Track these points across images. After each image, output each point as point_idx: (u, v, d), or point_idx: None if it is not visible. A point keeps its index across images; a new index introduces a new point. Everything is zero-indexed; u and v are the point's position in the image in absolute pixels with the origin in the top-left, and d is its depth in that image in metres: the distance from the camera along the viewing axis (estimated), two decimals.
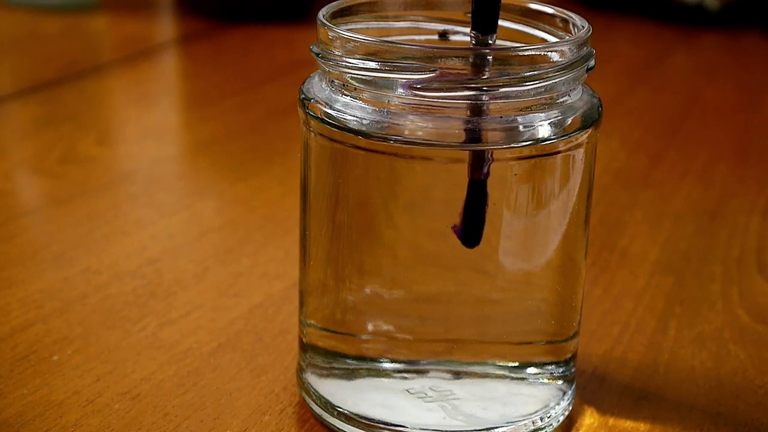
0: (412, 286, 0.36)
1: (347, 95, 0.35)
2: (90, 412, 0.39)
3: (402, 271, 0.36)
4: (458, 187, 0.35)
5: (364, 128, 0.34)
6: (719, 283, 0.51)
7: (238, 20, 0.95)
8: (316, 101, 0.36)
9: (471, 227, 0.35)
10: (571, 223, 0.37)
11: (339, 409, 0.38)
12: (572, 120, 0.35)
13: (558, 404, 0.39)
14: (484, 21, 0.35)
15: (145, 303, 0.47)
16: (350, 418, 0.38)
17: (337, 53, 0.35)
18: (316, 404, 0.39)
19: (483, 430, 0.37)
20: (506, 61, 0.34)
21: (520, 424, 0.38)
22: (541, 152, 0.35)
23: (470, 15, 0.36)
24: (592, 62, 0.36)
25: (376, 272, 0.37)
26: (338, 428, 0.38)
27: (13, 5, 0.96)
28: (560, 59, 0.35)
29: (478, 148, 0.34)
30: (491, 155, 0.34)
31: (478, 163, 0.34)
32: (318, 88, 0.37)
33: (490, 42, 0.35)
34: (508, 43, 0.39)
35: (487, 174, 0.35)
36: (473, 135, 0.34)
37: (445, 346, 0.37)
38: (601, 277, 0.51)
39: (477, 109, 0.34)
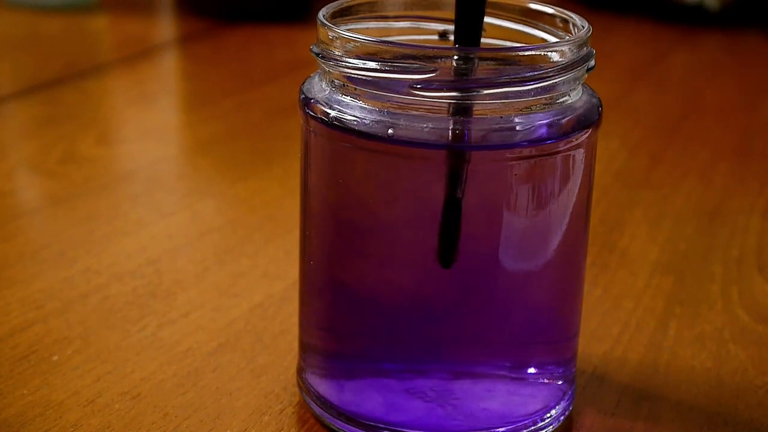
0: (412, 286, 0.36)
1: (347, 95, 0.35)
2: (90, 412, 0.39)
3: (402, 271, 0.36)
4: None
5: (364, 128, 0.34)
6: (719, 283, 0.51)
7: (238, 20, 0.95)
8: (316, 101, 0.36)
9: (447, 247, 0.35)
10: (571, 223, 0.37)
11: (339, 409, 0.38)
12: (572, 120, 0.35)
13: (558, 404, 0.39)
14: (467, 34, 0.35)
15: (145, 303, 0.47)
16: (350, 418, 0.38)
17: (337, 53, 0.35)
18: (316, 404, 0.39)
19: (483, 430, 0.37)
20: (506, 61, 0.34)
21: (520, 424, 0.38)
22: (541, 152, 0.35)
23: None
24: (592, 62, 0.36)
25: (376, 272, 0.37)
26: (338, 428, 0.38)
27: (13, 5, 0.96)
28: (560, 59, 0.35)
29: (473, 149, 0.34)
30: (466, 176, 0.34)
31: (455, 182, 0.34)
32: (318, 88, 0.37)
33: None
34: (508, 43, 0.39)
35: (463, 194, 0.34)
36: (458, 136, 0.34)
37: (445, 346, 0.37)
38: (601, 277, 0.51)
39: (462, 110, 0.34)
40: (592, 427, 0.40)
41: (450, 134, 0.34)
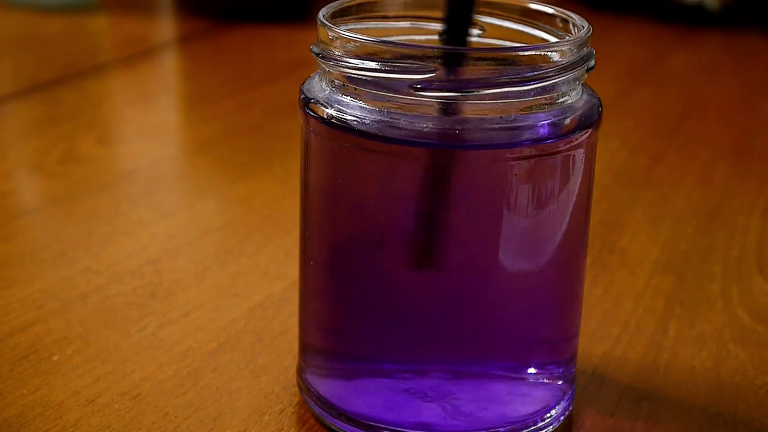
0: (412, 286, 0.36)
1: (347, 95, 0.35)
2: (90, 412, 0.39)
3: (402, 271, 0.36)
4: (458, 187, 0.35)
5: (364, 128, 0.34)
6: (719, 283, 0.51)
7: (238, 20, 0.95)
8: (316, 101, 0.36)
9: (425, 248, 0.36)
10: (571, 223, 0.37)
11: (339, 409, 0.38)
12: (572, 120, 0.35)
13: (558, 404, 0.39)
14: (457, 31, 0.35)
15: (145, 303, 0.47)
16: (350, 418, 0.38)
17: (337, 53, 0.35)
18: (316, 404, 0.39)
19: (483, 430, 0.37)
20: (506, 61, 0.34)
21: (520, 424, 0.38)
22: (541, 152, 0.35)
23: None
24: (592, 62, 0.36)
25: (376, 272, 0.37)
26: (338, 428, 0.38)
27: (13, 5, 0.96)
28: (560, 59, 0.35)
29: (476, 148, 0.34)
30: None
31: (441, 181, 0.35)
32: (318, 88, 0.37)
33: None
34: (508, 43, 0.39)
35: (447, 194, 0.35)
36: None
37: (445, 346, 0.37)
38: (601, 277, 0.51)
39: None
40: (592, 427, 0.40)
41: (440, 133, 0.34)
